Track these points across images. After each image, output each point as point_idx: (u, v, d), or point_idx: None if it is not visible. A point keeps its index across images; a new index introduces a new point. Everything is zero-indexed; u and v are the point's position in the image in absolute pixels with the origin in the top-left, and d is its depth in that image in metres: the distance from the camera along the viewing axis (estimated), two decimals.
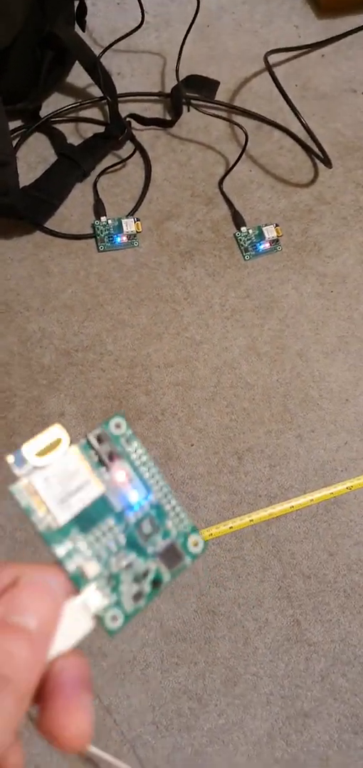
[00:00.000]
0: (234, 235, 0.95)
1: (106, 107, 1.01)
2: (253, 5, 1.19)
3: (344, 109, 1.10)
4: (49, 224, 0.95)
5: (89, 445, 0.31)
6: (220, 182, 0.99)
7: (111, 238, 0.94)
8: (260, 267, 0.95)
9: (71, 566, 0.29)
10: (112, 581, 0.29)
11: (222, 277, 0.93)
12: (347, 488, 0.82)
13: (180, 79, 1.04)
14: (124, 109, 1.03)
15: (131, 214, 0.96)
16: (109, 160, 1.00)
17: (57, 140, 1.00)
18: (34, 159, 1.00)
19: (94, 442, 0.31)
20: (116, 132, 0.98)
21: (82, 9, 1.03)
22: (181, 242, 0.95)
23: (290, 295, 0.93)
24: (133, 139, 1.01)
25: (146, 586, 0.30)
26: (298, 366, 0.89)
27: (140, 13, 1.07)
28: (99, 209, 0.95)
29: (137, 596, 0.29)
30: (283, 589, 0.77)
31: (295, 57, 1.13)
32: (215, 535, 0.79)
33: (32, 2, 0.94)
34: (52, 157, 0.99)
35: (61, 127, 1.03)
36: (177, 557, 0.31)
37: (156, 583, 0.30)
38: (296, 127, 1.04)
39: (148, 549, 0.31)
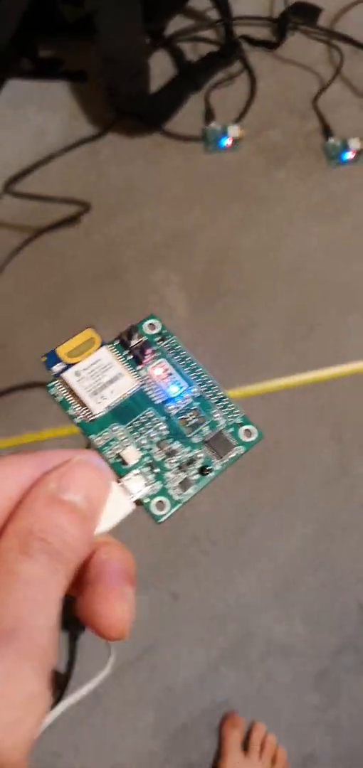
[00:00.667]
0: (322, 144, 1.03)
1: (221, 29, 1.09)
2: None
3: None
4: (166, 127, 1.05)
5: (122, 343, 0.30)
6: (314, 99, 1.06)
7: (217, 142, 1.04)
8: (342, 174, 1.02)
9: (110, 454, 0.28)
10: (157, 468, 0.28)
11: (309, 180, 1.02)
12: None
13: (286, 5, 1.11)
14: (237, 31, 1.11)
15: (236, 122, 1.05)
16: (219, 76, 1.09)
17: (177, 57, 1.09)
18: (157, 72, 1.08)
19: (125, 338, 0.30)
20: (229, 52, 1.07)
21: None
22: (276, 149, 1.04)
23: None
24: (242, 59, 1.09)
25: (193, 473, 0.28)
26: None
27: None
28: (209, 116, 1.05)
29: (184, 484, 0.28)
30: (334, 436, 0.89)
31: None
32: (287, 386, 0.91)
33: None
34: (171, 71, 1.09)
35: (181, 45, 1.12)
36: (227, 445, 0.29)
37: (204, 470, 0.28)
38: None
39: (193, 438, 0.29)
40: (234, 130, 1.04)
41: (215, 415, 0.29)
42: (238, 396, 0.90)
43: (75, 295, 0.96)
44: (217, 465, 0.28)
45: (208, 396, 0.30)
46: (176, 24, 1.13)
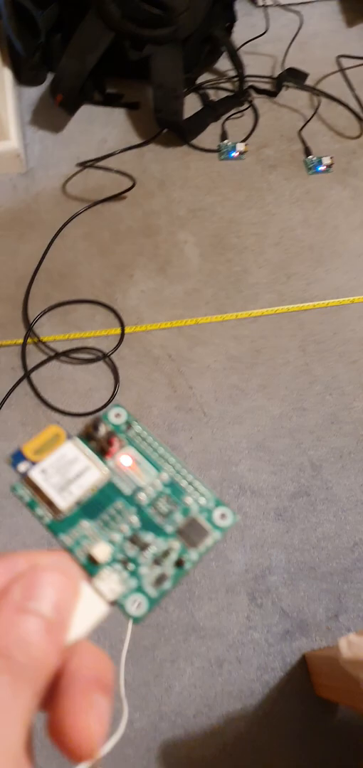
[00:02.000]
0: (303, 160, 1.22)
1: (236, 81, 1.31)
2: (338, 32, 1.41)
3: None
4: (193, 142, 1.24)
5: (87, 436, 0.27)
6: (299, 130, 1.23)
7: (228, 153, 1.22)
8: (317, 179, 1.21)
9: (80, 553, 0.24)
10: (130, 565, 0.24)
11: (292, 182, 1.20)
12: (350, 300, 1.07)
13: (283, 69, 1.31)
14: (247, 83, 1.30)
15: (242, 141, 1.24)
16: (233, 112, 1.28)
17: (203, 97, 1.29)
18: (190, 106, 1.27)
19: (91, 430, 0.27)
20: (240, 96, 1.28)
21: (232, 21, 1.31)
22: (270, 160, 1.22)
23: (333, 196, 1.17)
24: (249, 101, 1.28)
25: (169, 567, 0.24)
26: (332, 234, 1.13)
27: (265, 27, 1.35)
28: (223, 136, 1.24)
29: (161, 579, 0.23)
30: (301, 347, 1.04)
31: (360, 65, 1.34)
32: (269, 312, 1.06)
33: (206, 13, 1.21)
34: (199, 106, 1.28)
35: (207, 90, 1.31)
36: (202, 532, 0.24)
37: (180, 562, 0.24)
38: (353, 104, 1.28)
39: (166, 528, 0.25)
40: (240, 146, 1.23)
41: (187, 501, 0.25)
42: (231, 318, 1.06)
43: (119, 246, 1.13)
44: (193, 554, 0.24)
45: (177, 480, 0.26)
46: (205, 77, 1.34)
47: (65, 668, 0.19)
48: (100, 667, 0.20)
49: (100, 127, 1.28)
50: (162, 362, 1.02)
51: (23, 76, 1.31)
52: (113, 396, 0.99)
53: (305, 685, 0.79)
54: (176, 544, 0.24)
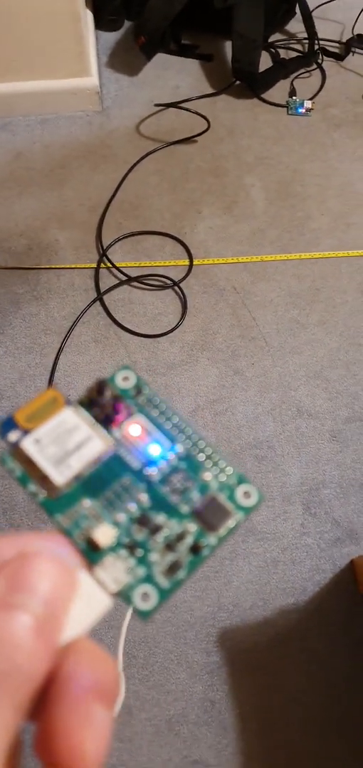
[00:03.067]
0: None
1: (306, 43, 1.34)
2: None
3: None
4: (263, 96, 1.29)
5: (90, 402, 0.22)
6: None
7: (296, 109, 1.26)
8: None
9: (80, 537, 0.19)
10: (138, 551, 0.19)
11: (356, 140, 1.23)
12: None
13: (353, 34, 1.35)
14: (316, 45, 1.35)
15: (310, 99, 1.28)
16: (302, 71, 1.33)
17: (275, 55, 1.33)
18: (262, 62, 1.29)
19: (94, 395, 0.22)
20: (310, 56, 1.31)
21: None
22: (335, 119, 1.25)
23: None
24: (318, 63, 1.32)
25: (184, 553, 0.19)
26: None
27: None
28: (292, 93, 1.28)
29: (174, 567, 0.19)
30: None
31: None
32: (329, 255, 1.10)
33: None
34: (270, 64, 1.32)
35: (279, 49, 1.36)
36: (223, 513, 0.20)
37: (197, 547, 0.19)
38: None
39: (181, 508, 0.20)
40: (308, 103, 1.26)
41: (206, 477, 0.21)
42: (294, 258, 1.10)
43: (188, 184, 1.17)
44: (211, 539, 0.20)
45: (195, 453, 0.21)
46: (276, 36, 1.38)
47: (58, 672, 0.15)
48: (101, 671, 0.16)
49: (174, 74, 1.32)
50: (227, 294, 1.06)
51: (103, 21, 1.35)
52: (181, 320, 1.03)
53: (351, 586, 0.84)
54: (192, 527, 0.20)
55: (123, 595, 0.18)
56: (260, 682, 0.80)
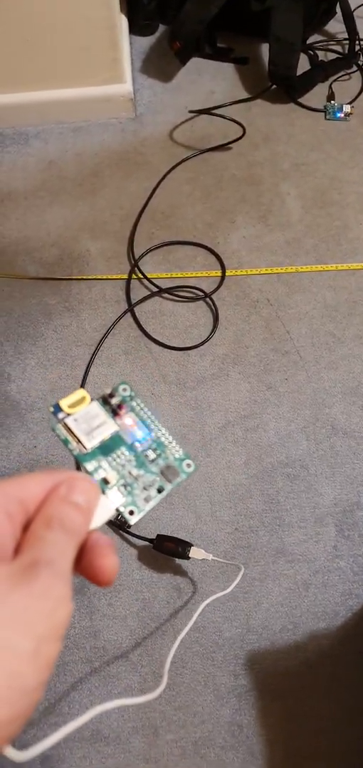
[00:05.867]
0: None
1: (346, 44, 1.32)
2: None
3: None
4: (300, 100, 1.27)
5: (104, 400, 0.37)
6: None
7: (334, 113, 1.25)
8: None
9: (97, 476, 0.34)
10: (128, 487, 0.34)
11: None
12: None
13: None
14: (357, 47, 1.33)
15: (349, 103, 1.26)
16: (341, 74, 1.31)
17: (313, 57, 1.31)
18: (300, 64, 1.27)
19: (107, 398, 0.37)
20: (351, 58, 1.29)
21: None
22: None
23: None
24: (359, 64, 1.30)
25: (153, 492, 0.35)
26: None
27: None
28: (330, 97, 1.26)
29: (147, 498, 0.34)
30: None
31: None
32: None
33: None
34: (307, 66, 1.31)
35: (317, 51, 1.34)
36: (174, 473, 0.36)
37: (159, 490, 0.35)
38: None
39: (152, 468, 0.35)
40: (347, 108, 1.24)
41: (167, 453, 0.36)
42: (330, 270, 1.08)
43: (222, 192, 1.17)
44: (167, 486, 0.35)
45: (161, 440, 0.37)
46: (315, 38, 1.36)
47: (88, 540, 0.30)
48: (109, 539, 0.30)
49: (209, 79, 1.31)
50: (260, 306, 1.05)
51: (136, 26, 1.35)
52: (212, 333, 1.03)
53: None
54: (158, 479, 0.35)
55: (119, 510, 0.33)
56: (289, 709, 0.79)
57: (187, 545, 0.84)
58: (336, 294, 1.05)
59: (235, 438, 0.95)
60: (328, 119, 1.24)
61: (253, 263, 1.09)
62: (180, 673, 0.81)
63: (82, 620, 0.83)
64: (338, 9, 1.29)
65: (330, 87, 1.28)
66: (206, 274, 1.09)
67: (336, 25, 1.34)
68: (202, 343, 1.03)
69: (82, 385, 1.00)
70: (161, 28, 1.38)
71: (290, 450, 0.93)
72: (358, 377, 0.98)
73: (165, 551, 0.85)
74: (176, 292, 1.08)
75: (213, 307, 1.06)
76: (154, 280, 1.08)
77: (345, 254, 1.09)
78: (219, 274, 1.09)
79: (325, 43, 1.35)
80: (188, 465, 0.36)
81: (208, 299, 1.07)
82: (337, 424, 0.95)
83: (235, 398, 0.98)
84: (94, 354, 1.01)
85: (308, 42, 1.33)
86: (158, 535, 0.86)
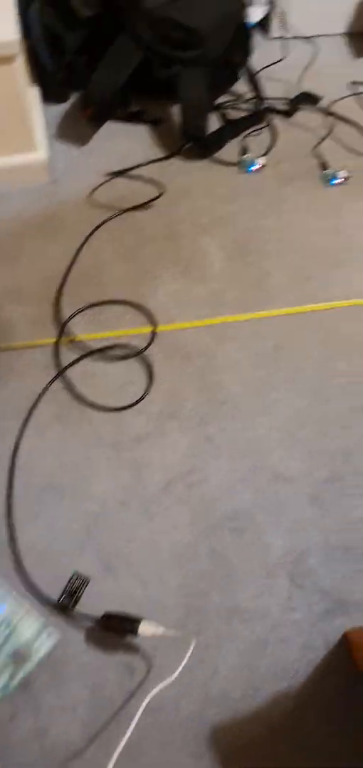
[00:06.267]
0: (319, 174, 1.28)
1: (254, 103, 1.37)
2: (348, 64, 1.51)
3: None
4: (214, 156, 1.31)
5: None
6: (315, 147, 1.32)
7: (248, 167, 1.29)
8: (333, 192, 1.26)
9: None
10: None
11: (309, 194, 1.25)
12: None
13: (298, 92, 1.39)
14: (264, 104, 1.38)
15: (261, 156, 1.30)
16: (252, 130, 1.35)
17: (224, 116, 1.36)
18: (210, 124, 1.33)
19: None
20: (259, 115, 1.34)
21: (250, 50, 1.38)
22: (287, 174, 1.28)
23: (348, 207, 1.24)
24: (267, 120, 1.36)
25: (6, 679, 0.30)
26: (347, 241, 1.19)
27: (280, 56, 1.44)
28: (243, 151, 1.31)
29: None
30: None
31: None
32: (291, 311, 1.09)
33: (229, 39, 1.30)
34: (220, 124, 1.35)
35: (227, 110, 1.38)
36: (23, 659, 0.33)
37: (12, 677, 0.32)
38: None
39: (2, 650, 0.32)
40: (259, 161, 1.29)
41: (18, 631, 0.33)
42: (255, 317, 1.09)
43: (144, 250, 1.17)
44: (20, 672, 0.32)
45: (13, 616, 0.34)
46: (225, 97, 1.41)
47: None
48: None
49: (124, 141, 1.33)
50: (192, 358, 1.04)
51: (49, 93, 1.36)
52: (147, 390, 1.00)
53: (347, 662, 0.80)
54: (8, 663, 0.30)
55: None
56: None
57: (136, 621, 0.78)
58: (263, 341, 1.06)
59: (178, 496, 0.91)
60: (243, 172, 1.28)
61: (182, 317, 1.09)
62: (136, 760, 0.74)
63: (27, 721, 0.75)
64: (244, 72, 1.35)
65: (242, 142, 1.32)
66: (137, 331, 1.07)
67: (244, 86, 1.40)
68: (138, 401, 1.00)
69: (13, 461, 0.93)
70: (75, 95, 1.39)
71: (235, 502, 0.91)
72: (292, 421, 0.98)
73: (112, 630, 0.80)
74: (107, 352, 1.05)
75: (146, 363, 1.03)
76: (83, 342, 1.05)
77: (268, 300, 1.11)
78: (149, 330, 1.07)
79: (234, 102, 1.40)
80: (37, 649, 0.31)
81: (140, 356, 1.04)
82: (277, 470, 0.93)
83: (175, 454, 0.95)
84: (24, 425, 0.96)
85: (219, 102, 1.38)
86: (104, 614, 0.81)
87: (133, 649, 0.80)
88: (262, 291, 1.12)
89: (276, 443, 0.96)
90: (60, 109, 1.37)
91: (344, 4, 1.48)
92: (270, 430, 0.97)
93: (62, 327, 1.06)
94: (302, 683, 0.79)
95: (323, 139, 1.32)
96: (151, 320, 1.08)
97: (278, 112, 1.36)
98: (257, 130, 1.34)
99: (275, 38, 1.50)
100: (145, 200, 1.21)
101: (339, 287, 1.12)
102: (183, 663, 0.75)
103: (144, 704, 0.69)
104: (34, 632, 0.28)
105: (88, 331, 1.07)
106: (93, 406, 0.99)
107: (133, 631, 0.78)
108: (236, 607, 0.83)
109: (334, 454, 0.95)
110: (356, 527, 0.88)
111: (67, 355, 1.04)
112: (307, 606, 0.83)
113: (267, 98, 1.39)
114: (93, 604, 0.83)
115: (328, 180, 1.26)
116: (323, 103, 1.39)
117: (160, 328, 1.07)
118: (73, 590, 0.84)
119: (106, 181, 1.25)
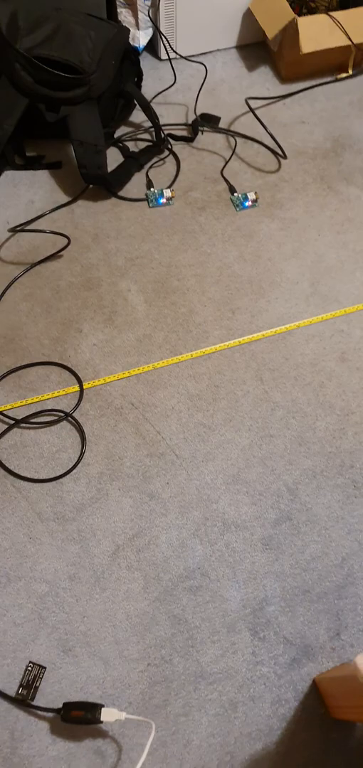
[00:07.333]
0: (229, 198, 1.27)
1: (153, 131, 1.33)
2: (241, 77, 1.52)
3: (296, 132, 1.42)
4: (121, 193, 1.26)
5: None
6: (221, 171, 1.30)
7: (156, 200, 1.25)
8: (245, 215, 1.25)
9: None
10: None
11: (222, 220, 1.24)
12: (296, 326, 1.11)
13: (196, 115, 1.37)
14: (164, 132, 1.35)
15: (168, 187, 1.27)
16: (155, 160, 1.32)
17: (124, 150, 1.32)
18: (112, 159, 1.31)
19: None
20: (160, 144, 1.31)
21: (140, 76, 1.37)
22: (198, 202, 1.26)
23: (263, 230, 1.23)
24: (169, 148, 1.33)
25: None
26: (268, 265, 1.18)
27: (173, 79, 1.41)
28: (149, 185, 1.27)
29: None
30: (258, 376, 1.05)
31: (266, 105, 1.45)
32: (221, 348, 1.07)
33: (116, 70, 1.25)
34: (121, 159, 1.31)
35: (126, 143, 1.34)
36: None
37: None
38: (267, 141, 1.36)
39: None
40: (167, 192, 1.26)
41: None
42: (186, 359, 1.06)
43: (62, 303, 1.11)
44: None
45: None
46: (123, 130, 1.37)
47: None
48: None
49: (26, 189, 1.25)
50: (125, 412, 1.00)
51: None
52: (82, 453, 0.95)
53: (320, 710, 0.79)
54: None
55: None
56: None
57: (97, 708, 0.74)
58: (197, 382, 1.03)
59: (128, 563, 0.87)
60: (152, 206, 1.24)
61: (109, 369, 1.04)
62: None
63: None
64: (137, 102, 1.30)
65: (146, 175, 1.28)
66: (63, 392, 1.01)
67: (141, 115, 1.36)
68: (74, 467, 0.94)
69: None
70: None
71: (187, 560, 0.87)
72: (236, 462, 0.96)
73: (75, 721, 0.76)
74: (34, 419, 0.98)
75: (77, 424, 0.98)
76: (7, 412, 0.98)
77: (197, 339, 1.08)
78: (76, 388, 1.02)
79: (133, 133, 1.35)
80: None
81: (70, 418, 0.98)
82: (227, 518, 0.91)
83: (120, 518, 0.90)
84: None
85: (117, 135, 1.33)
86: (64, 704, 0.76)
87: (100, 733, 0.76)
88: (189, 330, 1.09)
89: (223, 489, 0.93)
90: None
91: (230, 19, 1.47)
92: (216, 476, 0.94)
93: None
94: (278, 741, 0.77)
95: (227, 161, 1.31)
96: (78, 377, 1.02)
97: (179, 138, 1.33)
98: (160, 159, 1.31)
99: (165, 60, 1.46)
100: (56, 250, 1.14)
101: (265, 315, 1.11)
102: (145, 752, 0.72)
103: None
104: None
105: (11, 400, 1.00)
106: (27, 479, 0.93)
107: (96, 720, 0.74)
108: (201, 671, 0.80)
109: (280, 492, 0.94)
110: (310, 567, 0.88)
111: None
112: (272, 659, 0.82)
113: (165, 125, 1.35)
114: (54, 690, 0.78)
115: (238, 204, 1.25)
116: (223, 122, 1.38)
117: (88, 385, 1.02)
118: (30, 681, 0.78)
119: (12, 236, 1.17)
